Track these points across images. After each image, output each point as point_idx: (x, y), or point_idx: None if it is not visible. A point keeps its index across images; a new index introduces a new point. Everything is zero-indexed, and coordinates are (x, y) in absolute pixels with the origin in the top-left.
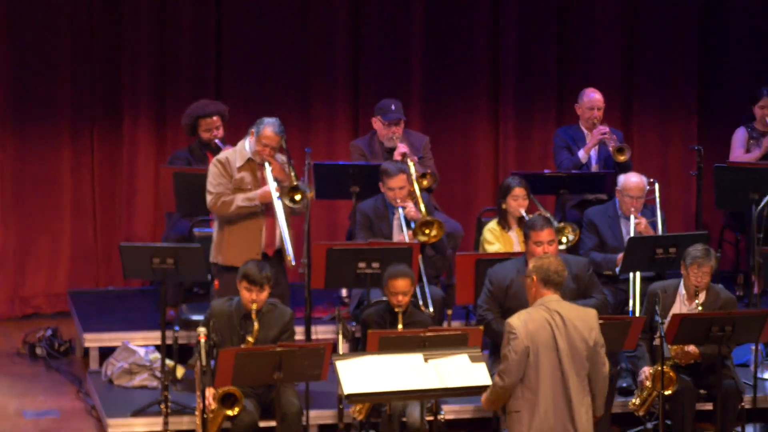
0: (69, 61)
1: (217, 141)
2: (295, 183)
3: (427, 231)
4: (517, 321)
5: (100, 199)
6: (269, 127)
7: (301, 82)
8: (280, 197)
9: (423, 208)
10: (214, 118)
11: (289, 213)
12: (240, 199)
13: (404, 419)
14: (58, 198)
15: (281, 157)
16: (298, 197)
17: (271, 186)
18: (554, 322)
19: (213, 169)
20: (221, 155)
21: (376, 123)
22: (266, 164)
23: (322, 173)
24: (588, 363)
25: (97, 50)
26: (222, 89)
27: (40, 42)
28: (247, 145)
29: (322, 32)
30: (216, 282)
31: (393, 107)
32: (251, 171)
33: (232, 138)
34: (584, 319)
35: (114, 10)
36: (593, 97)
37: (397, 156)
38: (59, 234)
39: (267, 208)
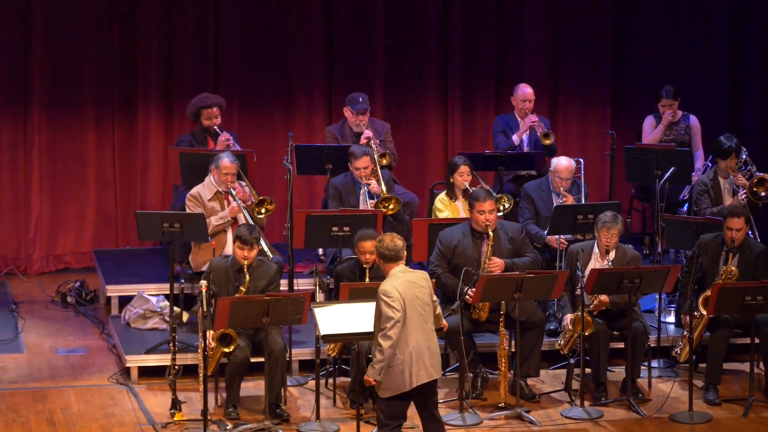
0: (94, 62)
1: (215, 127)
2: (259, 198)
3: (386, 205)
4: (389, 286)
5: (119, 174)
6: (225, 159)
7: (285, 79)
8: (250, 215)
9: (384, 188)
10: (214, 108)
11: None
12: (214, 220)
13: (370, 356)
14: (85, 172)
15: (242, 183)
16: (264, 210)
17: (237, 201)
18: (411, 282)
19: (188, 203)
20: (194, 191)
21: (347, 112)
22: (231, 190)
23: (303, 153)
24: (432, 306)
25: (117, 52)
26: (219, 84)
27: (70, 46)
28: (212, 179)
29: (302, 38)
30: (213, 243)
31: (360, 100)
32: (219, 200)
33: (227, 124)
34: (425, 278)
35: (130, 20)
36: (525, 91)
37: (363, 140)
38: (85, 202)
39: (234, 220)
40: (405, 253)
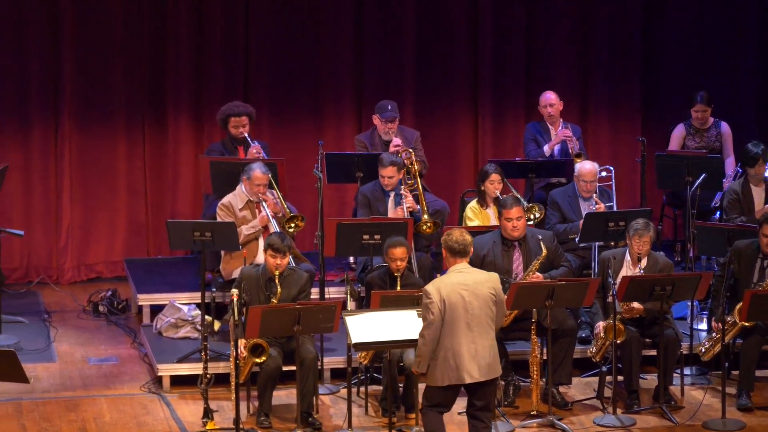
0: (124, 70)
1: (245, 135)
2: (290, 213)
3: (428, 224)
4: (431, 287)
5: (150, 183)
6: (257, 170)
7: (314, 87)
8: (280, 228)
9: (426, 216)
10: (243, 117)
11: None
12: (245, 229)
13: (401, 363)
14: (116, 181)
15: (274, 193)
16: (293, 225)
17: (266, 210)
18: (464, 284)
19: (219, 212)
20: (225, 200)
21: (376, 120)
22: (262, 202)
23: (332, 161)
24: (494, 309)
25: (146, 61)
26: (249, 92)
27: (100, 55)
28: (243, 188)
29: (331, 46)
30: (244, 251)
31: (389, 107)
32: (250, 209)
33: (257, 133)
34: (489, 279)
35: (160, 29)
36: (547, 96)
37: (392, 148)
38: (116, 211)
39: (265, 228)
40: (471, 249)
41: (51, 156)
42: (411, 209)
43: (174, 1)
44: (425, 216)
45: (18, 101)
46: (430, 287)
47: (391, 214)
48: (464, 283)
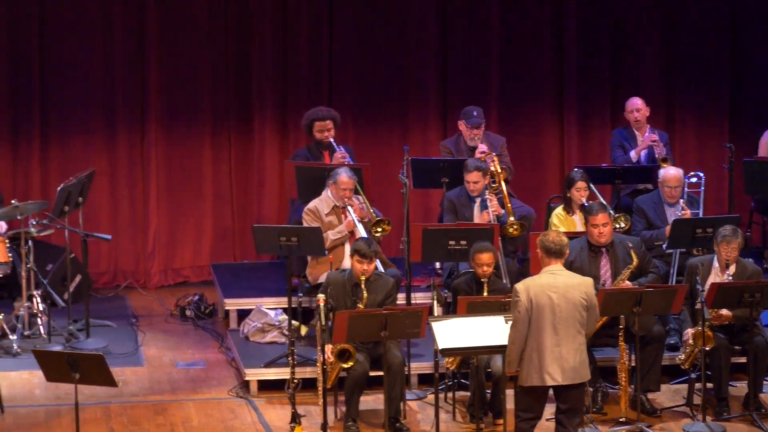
0: (209, 78)
1: (331, 140)
2: (377, 218)
3: (515, 226)
4: (521, 286)
5: (236, 188)
6: (343, 174)
7: (399, 92)
8: (367, 233)
9: (512, 216)
10: (327, 122)
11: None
12: (332, 234)
13: (489, 370)
14: (202, 187)
15: (360, 198)
16: (380, 229)
17: (352, 215)
18: (554, 286)
19: (305, 217)
20: (311, 205)
21: (461, 126)
22: (348, 207)
23: (418, 167)
24: (584, 314)
25: (232, 68)
26: (334, 97)
27: (186, 61)
28: (329, 193)
29: (417, 51)
30: (330, 257)
31: (475, 113)
32: (336, 215)
33: (343, 138)
34: (582, 284)
35: (244, 35)
36: (633, 102)
37: (477, 154)
38: (203, 216)
39: (351, 234)
40: (568, 251)
41: (137, 161)
42: (496, 213)
43: (259, 6)
44: (511, 218)
45: (105, 107)
46: (519, 285)
47: (477, 219)
48: (554, 285)
